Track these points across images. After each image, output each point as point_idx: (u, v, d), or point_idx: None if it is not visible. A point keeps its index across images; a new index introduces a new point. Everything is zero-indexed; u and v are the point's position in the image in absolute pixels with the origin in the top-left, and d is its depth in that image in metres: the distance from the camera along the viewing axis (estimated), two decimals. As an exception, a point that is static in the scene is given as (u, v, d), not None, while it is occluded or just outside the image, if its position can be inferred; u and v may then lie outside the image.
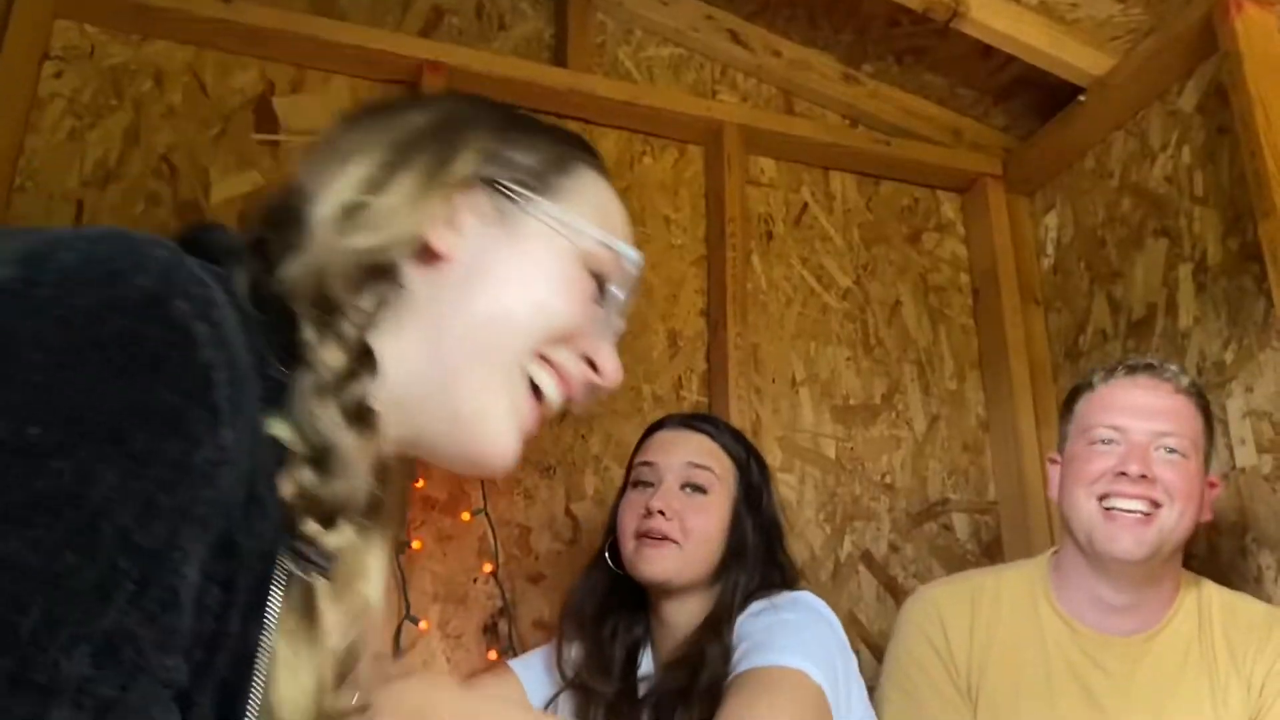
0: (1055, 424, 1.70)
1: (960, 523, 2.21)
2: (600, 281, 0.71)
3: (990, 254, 2.37)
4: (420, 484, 1.81)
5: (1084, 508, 1.41)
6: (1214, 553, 1.81)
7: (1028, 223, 2.46)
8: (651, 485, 1.41)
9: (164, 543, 0.45)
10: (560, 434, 2.00)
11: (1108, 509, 1.38)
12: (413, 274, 0.66)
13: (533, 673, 1.48)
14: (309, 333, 0.60)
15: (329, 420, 0.58)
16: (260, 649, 0.55)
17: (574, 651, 1.45)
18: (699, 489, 1.39)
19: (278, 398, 0.57)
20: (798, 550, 1.89)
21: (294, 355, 0.59)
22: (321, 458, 0.57)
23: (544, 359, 0.69)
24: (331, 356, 0.59)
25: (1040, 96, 2.37)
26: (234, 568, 0.51)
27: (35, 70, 1.87)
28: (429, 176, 0.67)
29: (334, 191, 0.65)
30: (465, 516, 1.85)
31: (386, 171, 0.66)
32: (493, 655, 1.79)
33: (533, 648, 1.81)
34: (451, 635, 1.81)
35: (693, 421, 1.51)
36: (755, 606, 1.29)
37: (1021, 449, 2.17)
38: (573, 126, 2.20)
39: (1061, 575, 1.49)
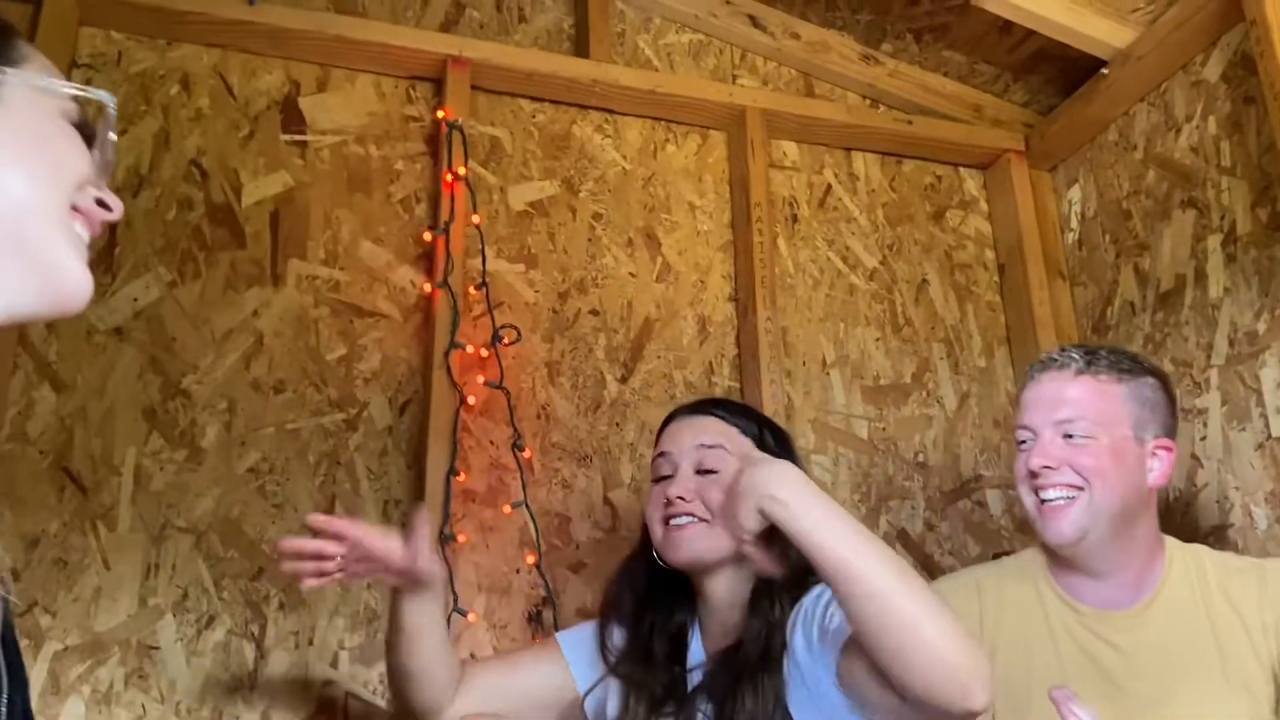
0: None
1: (994, 499, 2.22)
2: (82, 130, 0.79)
3: (1015, 230, 2.37)
4: (462, 478, 1.82)
5: (1025, 500, 1.50)
6: (1252, 521, 1.82)
7: (1051, 197, 2.46)
8: (669, 476, 1.41)
9: None
10: (595, 423, 2.02)
11: (1042, 501, 1.46)
12: None
13: (583, 649, 1.49)
14: None
15: None
16: None
17: (616, 639, 1.46)
18: (711, 470, 1.39)
19: None
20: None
21: None
22: None
23: (72, 206, 0.77)
24: None
25: (1061, 70, 2.37)
26: None
27: (64, 78, 1.87)
28: None
29: None
30: (506, 509, 1.87)
31: None
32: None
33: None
34: (497, 626, 1.83)
35: (701, 405, 1.51)
36: (813, 593, 1.28)
37: (1053, 424, 2.17)
38: (595, 118, 2.22)
39: (1055, 562, 1.53)
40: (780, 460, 1.17)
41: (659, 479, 1.43)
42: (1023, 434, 1.50)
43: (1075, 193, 2.39)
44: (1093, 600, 1.48)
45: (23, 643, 1.58)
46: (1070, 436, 1.45)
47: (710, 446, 1.40)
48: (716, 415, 1.45)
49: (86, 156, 0.78)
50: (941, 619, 1.01)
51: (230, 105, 2.00)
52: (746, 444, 1.40)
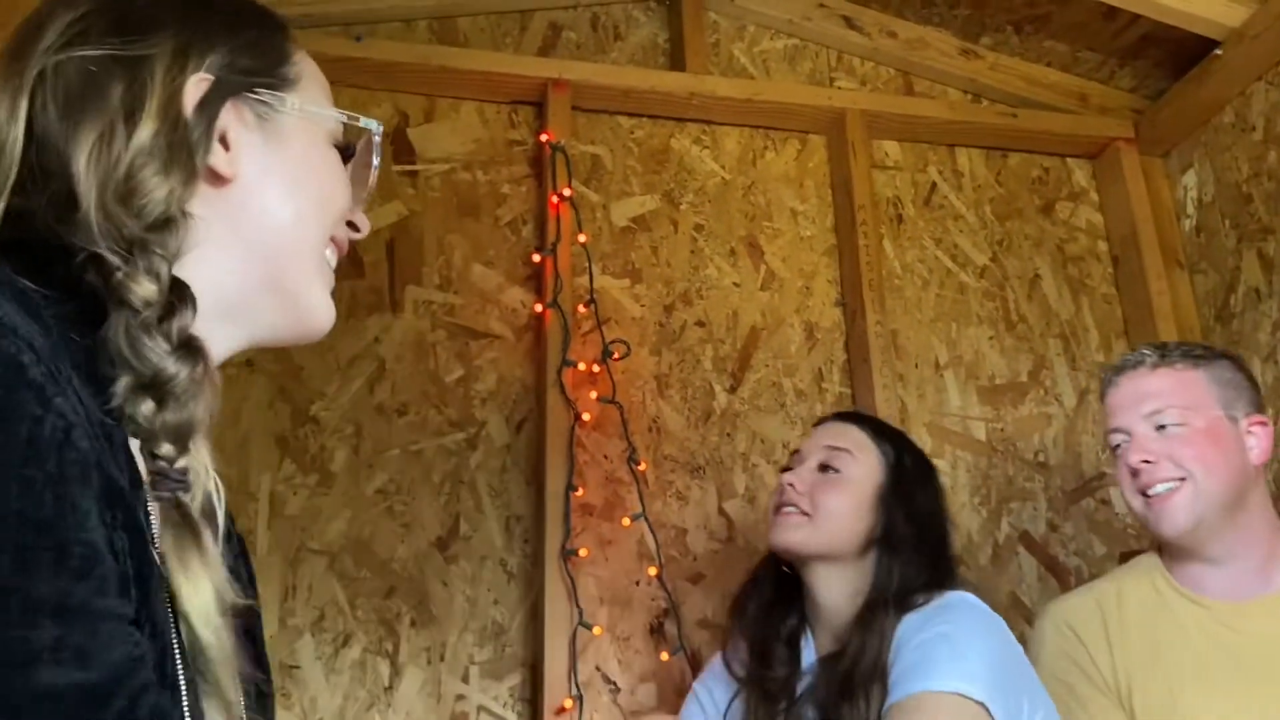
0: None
1: (1118, 497, 2.16)
2: (342, 151, 0.78)
3: (1128, 219, 2.31)
4: (580, 493, 1.85)
5: (1133, 504, 1.47)
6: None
7: (1165, 184, 2.39)
8: (794, 469, 1.47)
9: (55, 509, 0.51)
10: (706, 434, 2.03)
11: (1149, 497, 1.43)
12: (203, 201, 0.69)
13: (714, 682, 1.51)
14: (118, 278, 0.63)
15: (157, 352, 0.62)
16: (155, 570, 0.59)
17: (741, 649, 1.48)
18: (833, 468, 1.43)
19: (87, 360, 0.60)
20: (954, 536, 1.89)
21: (97, 315, 0.62)
22: (157, 387, 0.62)
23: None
24: (146, 293, 0.63)
25: (1169, 54, 2.30)
26: (125, 510, 0.56)
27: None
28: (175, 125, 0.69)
29: (91, 158, 0.66)
30: (625, 522, 1.89)
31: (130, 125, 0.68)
32: (664, 656, 1.82)
33: (698, 646, 1.86)
34: (620, 638, 1.85)
35: (848, 414, 1.58)
36: (912, 619, 1.29)
37: (1178, 417, 2.11)
38: (694, 130, 2.23)
39: (1171, 559, 1.49)
40: None
41: (785, 470, 1.50)
42: (1116, 438, 1.49)
43: (1190, 178, 2.32)
44: (1219, 592, 1.44)
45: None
46: (1163, 428, 1.43)
47: (838, 449, 1.44)
48: (858, 426, 1.49)
49: (347, 186, 0.78)
50: None
51: (343, 139, 2.06)
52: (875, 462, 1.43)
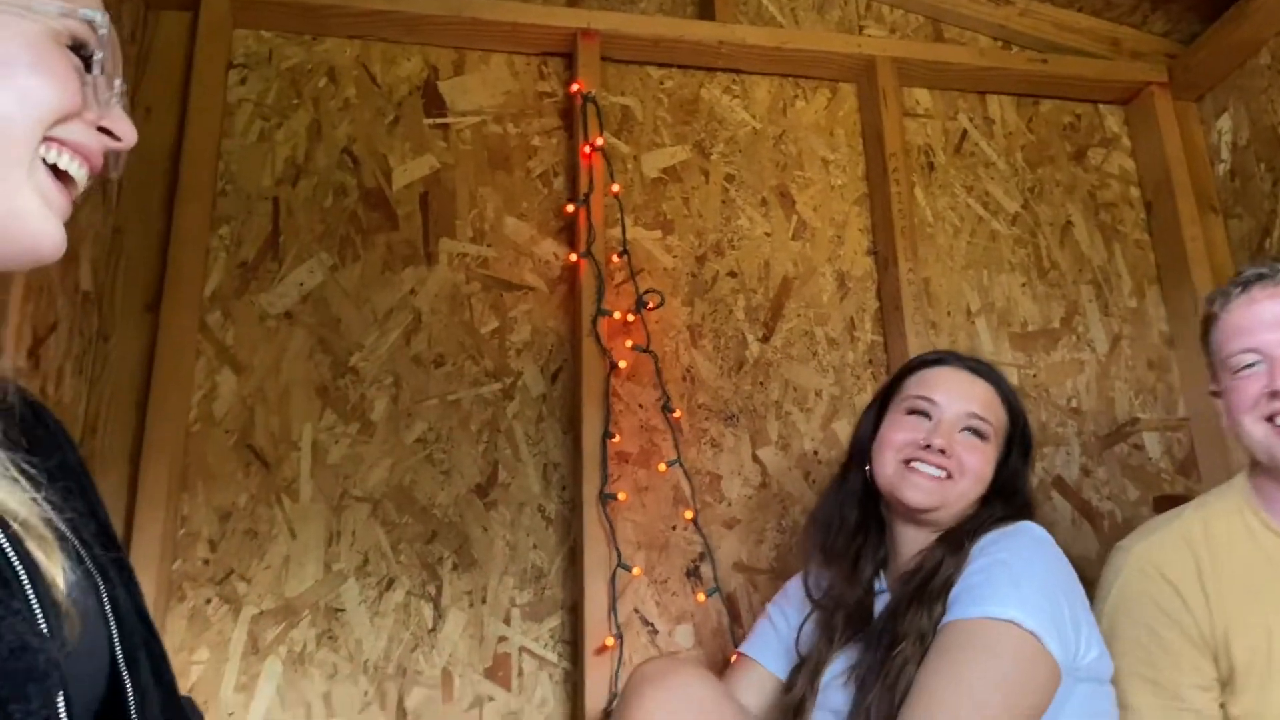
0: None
1: (1151, 442, 2.16)
2: (82, 52, 0.71)
3: (1161, 165, 2.30)
4: (616, 440, 1.87)
5: (1254, 432, 1.37)
6: None
7: (1199, 129, 2.37)
8: (929, 418, 1.44)
9: None
10: (739, 383, 2.04)
11: (1275, 425, 1.34)
12: None
13: (787, 604, 1.55)
14: None
15: None
16: None
17: (821, 573, 1.49)
18: (979, 434, 1.42)
19: None
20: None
21: None
22: None
23: (58, 141, 0.70)
24: None
25: (1203, -4, 2.28)
26: None
27: (223, 78, 1.99)
28: None
29: None
30: (661, 468, 1.91)
31: None
32: (700, 598, 1.85)
33: (734, 589, 1.88)
34: (657, 581, 1.88)
35: (977, 367, 1.50)
36: (981, 542, 1.31)
37: (1212, 362, 2.11)
38: (723, 79, 2.23)
39: (1265, 495, 1.42)
40: None
41: (914, 413, 1.45)
42: (1247, 357, 1.37)
43: (1225, 122, 2.30)
44: None
45: (223, 608, 1.71)
46: None
47: (981, 419, 1.42)
48: (997, 390, 1.47)
49: (67, 83, 0.70)
50: None
51: (375, 93, 2.08)
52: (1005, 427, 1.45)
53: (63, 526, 0.65)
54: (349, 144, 2.03)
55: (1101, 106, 2.42)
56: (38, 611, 0.56)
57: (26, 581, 0.57)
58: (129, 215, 1.88)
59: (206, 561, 1.75)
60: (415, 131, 2.07)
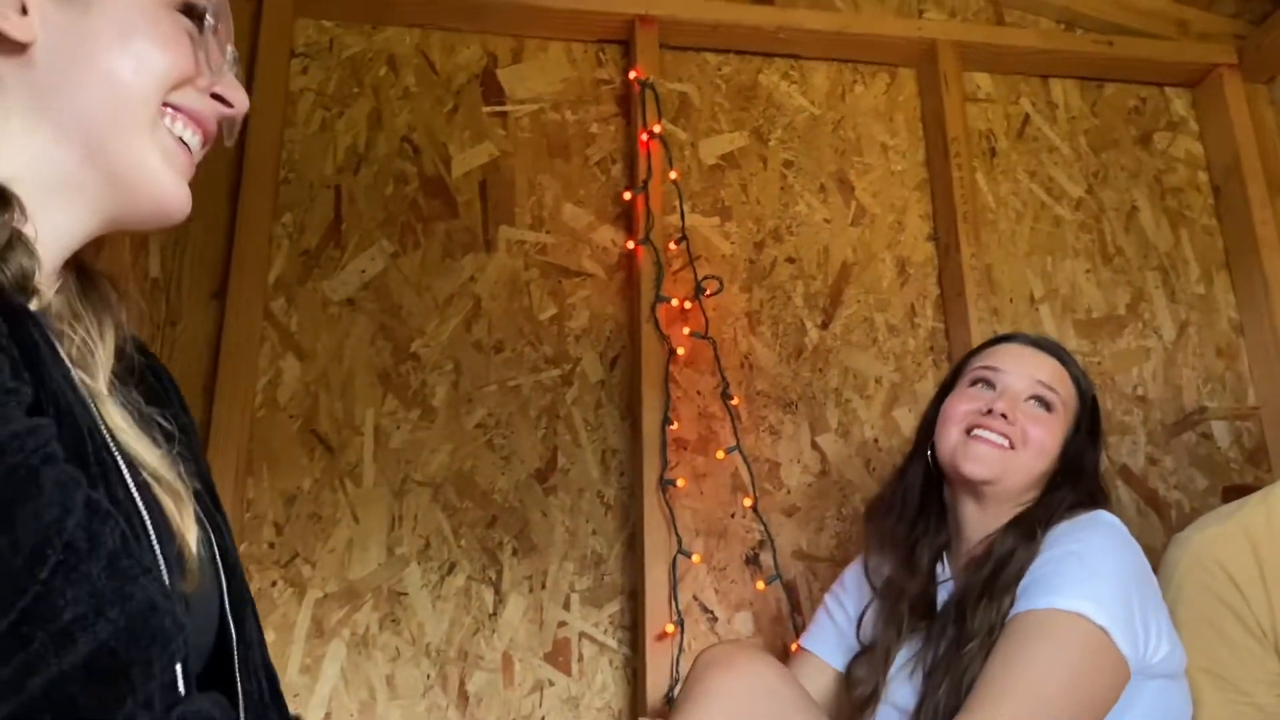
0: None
1: (1220, 431, 2.12)
2: (194, 15, 0.71)
3: (1230, 148, 2.24)
4: (675, 426, 1.87)
5: None
6: None
7: (1269, 111, 2.31)
8: (993, 387, 1.41)
9: None
10: (798, 370, 2.03)
11: None
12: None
13: (845, 594, 1.53)
14: None
15: None
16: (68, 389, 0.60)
17: (883, 561, 1.48)
18: (1045, 404, 1.39)
19: None
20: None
21: None
22: None
23: (173, 108, 0.71)
24: None
25: (1275, -26, 2.22)
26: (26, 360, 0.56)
27: (285, 67, 2.01)
28: None
29: None
30: (720, 455, 1.91)
31: None
32: (760, 585, 1.84)
33: (793, 577, 1.87)
34: (716, 568, 1.87)
35: (1043, 343, 1.48)
36: (1054, 532, 1.28)
37: (1283, 349, 2.06)
38: (781, 65, 2.21)
39: None
40: None
41: (978, 383, 1.43)
42: None
43: (1297, 104, 2.24)
44: None
45: (288, 591, 1.73)
46: None
47: (1048, 387, 1.39)
48: (1064, 365, 1.44)
49: (187, 51, 0.70)
50: None
51: (434, 82, 2.09)
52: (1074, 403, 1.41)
53: (189, 478, 0.66)
54: (409, 132, 2.04)
55: (1168, 89, 2.37)
56: (162, 565, 0.57)
57: (153, 533, 0.58)
58: (195, 204, 1.89)
59: (272, 545, 1.77)
60: (474, 119, 2.08)
